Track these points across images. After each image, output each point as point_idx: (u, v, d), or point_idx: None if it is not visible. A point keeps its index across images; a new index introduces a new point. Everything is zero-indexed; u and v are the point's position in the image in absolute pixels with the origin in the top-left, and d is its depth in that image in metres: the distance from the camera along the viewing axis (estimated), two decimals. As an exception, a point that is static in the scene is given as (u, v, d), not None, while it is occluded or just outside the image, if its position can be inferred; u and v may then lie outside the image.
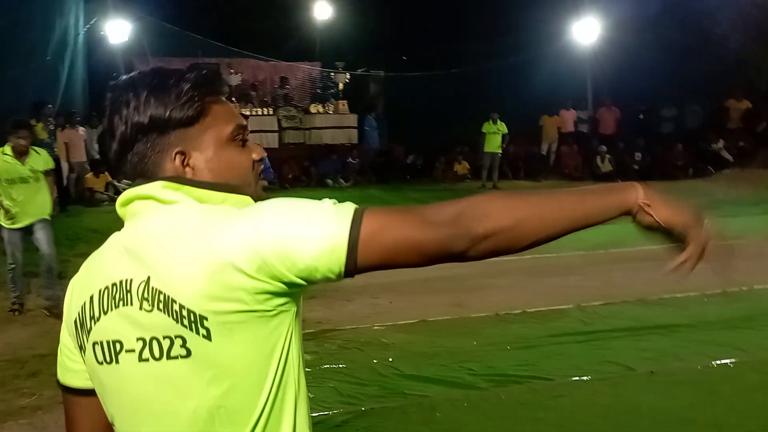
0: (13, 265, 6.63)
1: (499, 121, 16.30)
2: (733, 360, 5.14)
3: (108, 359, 1.18)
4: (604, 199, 1.20)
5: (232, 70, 17.51)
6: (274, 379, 1.18)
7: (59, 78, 14.29)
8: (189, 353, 1.12)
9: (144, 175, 1.22)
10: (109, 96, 1.26)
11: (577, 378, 4.87)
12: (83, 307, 1.21)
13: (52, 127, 12.94)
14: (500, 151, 16.42)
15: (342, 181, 16.64)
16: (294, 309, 1.19)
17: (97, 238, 9.62)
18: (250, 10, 20.61)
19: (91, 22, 15.66)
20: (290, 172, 16.52)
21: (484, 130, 16.37)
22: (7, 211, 6.43)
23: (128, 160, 1.24)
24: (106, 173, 14.10)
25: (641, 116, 18.93)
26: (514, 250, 1.16)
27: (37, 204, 6.61)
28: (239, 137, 1.27)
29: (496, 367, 5.06)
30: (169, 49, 17.02)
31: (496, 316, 6.27)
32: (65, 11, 14.46)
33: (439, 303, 6.70)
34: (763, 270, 7.64)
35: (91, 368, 1.23)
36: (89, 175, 14.11)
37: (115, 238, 1.24)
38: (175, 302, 1.11)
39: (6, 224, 6.51)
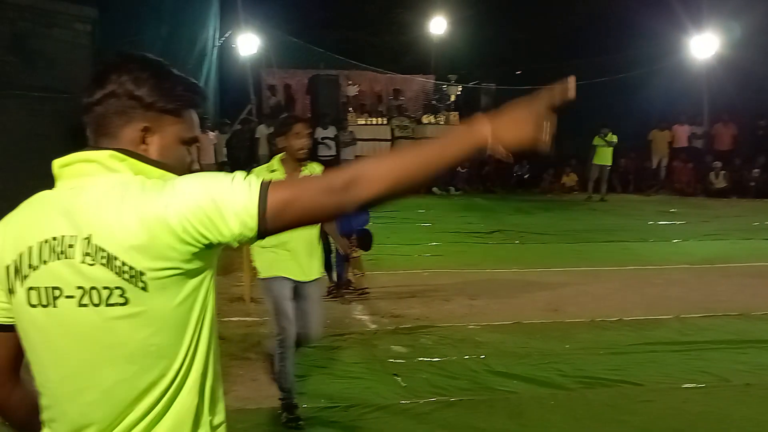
0: None
1: (610, 134, 15.86)
2: (837, 379, 4.84)
3: (44, 303, 1.35)
4: (459, 142, 1.38)
5: (350, 82, 17.95)
6: (195, 324, 1.37)
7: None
8: (126, 302, 1.31)
9: (103, 131, 1.40)
10: (116, 58, 1.44)
11: (668, 385, 4.74)
12: (21, 255, 1.37)
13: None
14: (609, 164, 15.98)
15: (451, 189, 16.70)
16: (213, 268, 1.40)
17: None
18: (370, 26, 21.09)
19: (226, 35, 16.48)
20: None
21: (594, 143, 16.00)
22: None
23: (99, 112, 1.40)
24: (232, 175, 14.77)
25: (760, 132, 17.91)
26: (394, 200, 1.37)
27: None
28: (190, 143, 1.49)
29: (586, 370, 4.98)
30: (293, 61, 17.67)
31: (592, 322, 6.16)
32: (207, 24, 15.26)
33: (535, 306, 6.66)
34: None
35: (20, 309, 1.39)
36: (217, 175, 14.82)
37: (47, 196, 1.40)
38: (117, 259, 1.29)
39: None
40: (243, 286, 6.90)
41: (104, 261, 1.30)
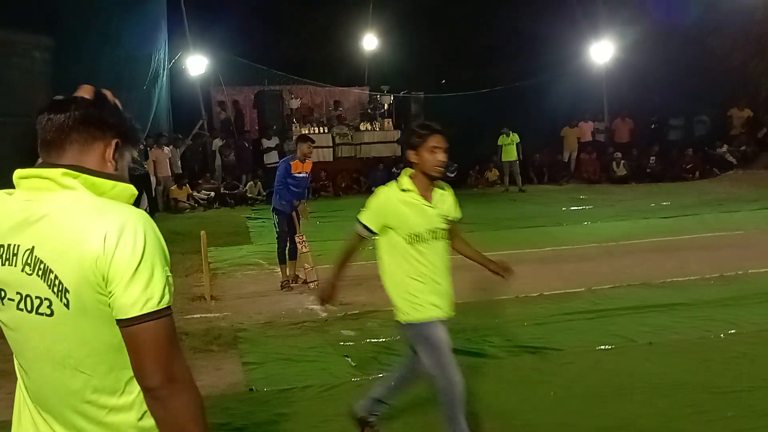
0: None
1: (512, 134, 16.21)
2: (724, 333, 5.09)
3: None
4: None
5: (293, 95, 17.82)
6: (111, 342, 1.38)
7: (151, 105, 14.79)
8: (52, 313, 1.35)
9: (58, 150, 1.41)
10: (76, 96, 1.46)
11: (583, 348, 4.90)
12: None
13: (142, 146, 13.43)
14: (516, 159, 16.29)
15: (388, 188, 16.73)
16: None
17: (180, 239, 10.01)
18: (309, 44, 20.97)
19: (176, 58, 16.15)
20: (343, 181, 16.74)
21: (499, 143, 16.34)
22: None
23: (56, 134, 1.41)
24: (187, 186, 14.52)
25: (653, 126, 18.62)
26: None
27: None
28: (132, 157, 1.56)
29: (513, 340, 5.11)
30: (240, 78, 17.45)
31: (516, 298, 6.30)
32: (157, 48, 14.94)
33: (467, 287, 6.67)
34: (756, 256, 7.54)
35: None
36: (173, 187, 14.55)
37: (5, 202, 1.42)
38: (52, 272, 1.33)
39: None
40: (203, 286, 6.81)
41: (40, 273, 1.34)
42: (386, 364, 4.67)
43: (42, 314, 1.35)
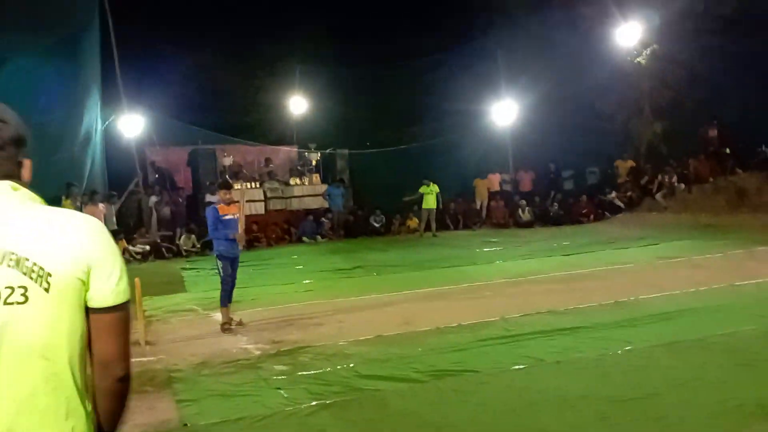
0: None
1: (432, 184, 16.55)
2: (621, 349, 5.29)
3: None
4: None
5: (225, 153, 17.64)
6: (82, 330, 1.40)
7: (84, 164, 14.30)
8: (27, 300, 1.31)
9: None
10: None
11: (498, 369, 4.96)
12: None
13: (78, 203, 12.90)
14: (434, 207, 16.59)
15: (319, 237, 16.68)
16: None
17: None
18: (240, 107, 21.04)
19: (110, 119, 15.76)
20: (274, 233, 16.55)
21: (420, 191, 16.63)
22: None
23: None
24: (123, 240, 13.97)
25: (552, 176, 19.53)
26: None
27: None
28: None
29: (435, 366, 5.11)
30: (174, 138, 17.17)
31: (437, 329, 6.33)
32: (90, 109, 14.58)
33: (392, 322, 6.74)
34: (645, 285, 7.93)
35: None
36: (109, 241, 13.96)
37: None
38: (28, 260, 1.31)
39: None
40: (137, 332, 6.49)
41: (12, 263, 1.30)
42: (317, 393, 4.58)
43: (11, 303, 1.30)
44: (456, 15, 20.62)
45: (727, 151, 16.93)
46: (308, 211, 17.24)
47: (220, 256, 6.89)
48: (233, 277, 6.95)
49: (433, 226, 16.51)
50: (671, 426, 3.81)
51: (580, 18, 17.62)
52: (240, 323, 6.99)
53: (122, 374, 1.44)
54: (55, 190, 12.61)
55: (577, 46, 17.37)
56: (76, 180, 13.45)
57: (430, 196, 16.47)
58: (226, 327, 6.86)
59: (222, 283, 6.93)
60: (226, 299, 6.94)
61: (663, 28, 16.79)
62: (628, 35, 17.02)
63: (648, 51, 17.46)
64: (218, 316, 7.10)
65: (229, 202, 6.88)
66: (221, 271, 6.91)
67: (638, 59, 17.62)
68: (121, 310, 1.43)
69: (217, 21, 20.82)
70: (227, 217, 6.82)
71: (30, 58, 12.57)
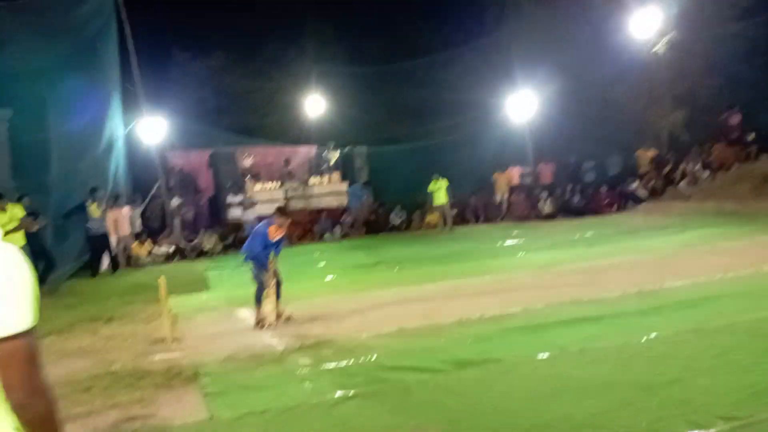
0: None
1: (439, 180, 16.49)
2: (645, 337, 5.23)
3: None
4: None
5: (245, 155, 17.82)
6: None
7: (108, 169, 14.54)
8: None
9: None
10: None
11: (521, 358, 4.95)
12: None
13: (104, 207, 13.13)
14: (446, 202, 16.51)
15: (338, 233, 16.77)
16: None
17: (140, 290, 9.75)
18: (258, 108, 21.22)
19: (132, 125, 16.00)
20: (296, 231, 16.67)
21: (430, 189, 16.58)
22: None
23: None
24: (149, 241, 14.21)
25: (572, 167, 19.37)
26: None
27: None
28: None
29: (458, 356, 5.12)
30: (194, 142, 17.38)
31: (459, 321, 6.32)
32: (112, 116, 14.84)
33: (415, 315, 6.75)
34: (670, 273, 7.83)
35: None
36: (135, 243, 14.22)
37: None
38: None
39: None
40: (163, 329, 6.61)
41: None
42: (341, 384, 4.62)
43: None
44: (471, 9, 20.56)
45: (752, 136, 16.61)
46: (329, 211, 17.34)
47: (260, 265, 6.95)
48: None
49: (449, 221, 16.46)
50: (696, 411, 3.77)
51: (596, 8, 17.44)
52: (290, 318, 7.03)
53: (23, 402, 1.45)
54: (81, 196, 12.87)
55: (593, 36, 17.20)
56: (100, 185, 13.68)
57: (440, 192, 16.41)
58: (261, 323, 6.93)
59: (257, 283, 6.99)
60: (260, 298, 6.99)
61: (680, 15, 16.55)
62: (646, 25, 16.78)
63: (665, 39, 17.22)
64: (242, 313, 7.19)
65: (281, 226, 6.95)
66: (256, 278, 6.96)
67: (656, 48, 17.38)
68: (19, 339, 1.43)
69: (233, 24, 21.04)
70: (274, 240, 6.92)
71: (51, 67, 12.82)
